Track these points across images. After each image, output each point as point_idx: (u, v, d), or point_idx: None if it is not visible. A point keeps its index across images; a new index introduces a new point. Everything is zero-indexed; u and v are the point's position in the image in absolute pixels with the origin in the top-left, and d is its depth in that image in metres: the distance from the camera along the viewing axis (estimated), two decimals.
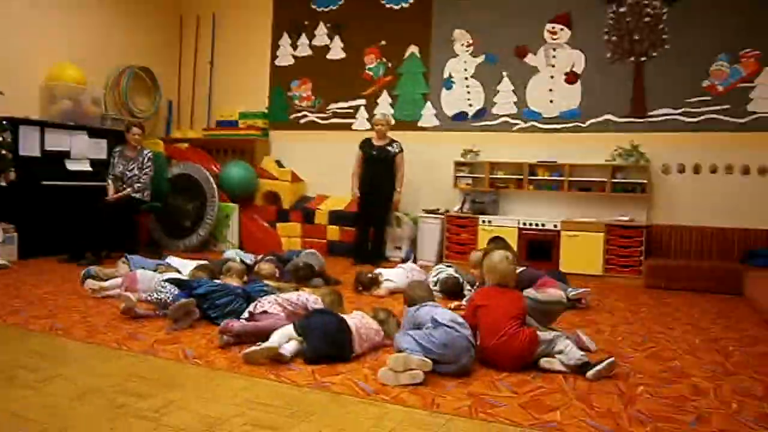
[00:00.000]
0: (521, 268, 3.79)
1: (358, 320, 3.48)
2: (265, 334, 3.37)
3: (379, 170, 6.82)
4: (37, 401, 2.58)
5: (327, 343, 3.24)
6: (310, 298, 3.87)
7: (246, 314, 3.70)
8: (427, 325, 3.18)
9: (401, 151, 6.88)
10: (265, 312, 3.63)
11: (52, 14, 7.34)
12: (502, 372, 3.15)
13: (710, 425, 2.55)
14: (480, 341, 3.25)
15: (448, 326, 3.09)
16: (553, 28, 7.03)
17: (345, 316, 3.50)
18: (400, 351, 3.07)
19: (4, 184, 6.02)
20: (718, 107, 6.35)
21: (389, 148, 6.86)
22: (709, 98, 6.40)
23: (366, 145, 6.94)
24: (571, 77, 6.96)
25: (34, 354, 3.24)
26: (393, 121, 7.23)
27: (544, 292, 3.71)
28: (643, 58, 6.65)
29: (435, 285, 5.08)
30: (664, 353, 3.66)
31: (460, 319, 3.21)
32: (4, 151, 5.95)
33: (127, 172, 6.52)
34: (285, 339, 3.29)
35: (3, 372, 2.92)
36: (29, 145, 6.57)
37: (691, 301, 5.44)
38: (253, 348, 3.19)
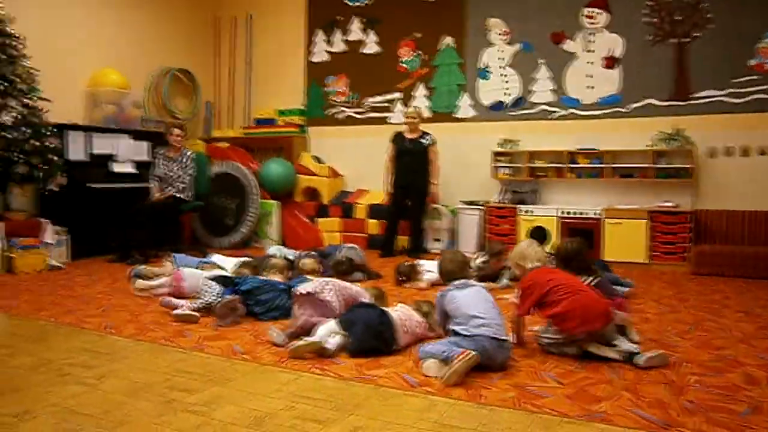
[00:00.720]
0: (595, 279, 3.58)
1: (402, 313, 3.50)
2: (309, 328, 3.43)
3: (413, 163, 6.79)
4: (92, 397, 2.67)
5: (370, 336, 3.26)
6: (361, 289, 3.93)
7: (304, 288, 3.71)
8: (457, 319, 3.11)
9: (434, 143, 6.85)
10: (323, 300, 3.65)
11: (92, 22, 7.54)
12: (585, 329, 3.10)
13: (764, 415, 2.48)
14: (551, 309, 3.19)
15: (477, 335, 2.98)
16: (590, 12, 6.89)
17: (388, 309, 3.52)
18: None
19: (54, 188, 6.22)
20: (766, 86, 6.14)
21: (422, 140, 6.83)
22: (756, 77, 6.18)
23: (398, 138, 6.92)
24: (609, 62, 6.81)
25: (88, 351, 3.35)
26: (425, 114, 7.20)
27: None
28: (685, 39, 6.47)
29: (474, 270, 5.10)
30: (715, 342, 3.57)
31: (494, 311, 3.12)
32: (53, 157, 6.14)
33: (170, 173, 6.66)
34: (329, 333, 3.33)
35: (59, 369, 3.03)
36: (76, 149, 6.78)
37: (742, 287, 5.28)
38: (299, 343, 3.24)
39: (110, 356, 3.27)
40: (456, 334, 3.05)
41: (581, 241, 3.91)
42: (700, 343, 3.54)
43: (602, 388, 2.78)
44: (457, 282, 3.31)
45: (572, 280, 3.31)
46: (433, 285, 5.08)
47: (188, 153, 6.76)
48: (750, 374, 2.97)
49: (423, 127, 7.01)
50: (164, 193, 6.58)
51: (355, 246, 5.96)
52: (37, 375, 2.95)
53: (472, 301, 3.15)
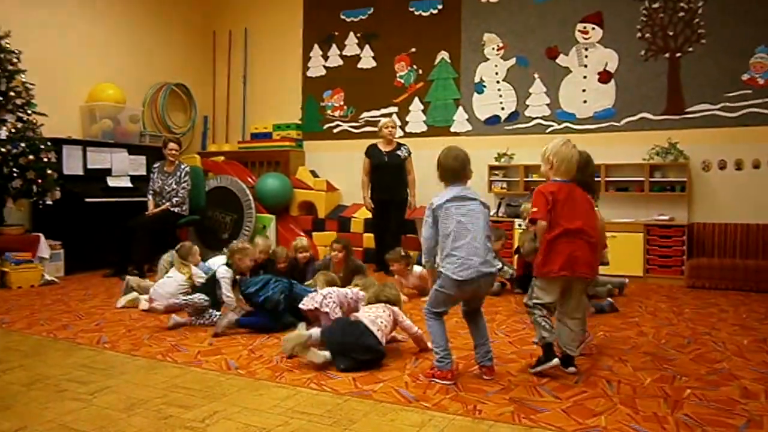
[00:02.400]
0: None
1: (365, 314, 3.49)
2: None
3: (392, 176, 6.65)
4: (88, 413, 2.65)
5: (358, 351, 3.25)
6: (360, 293, 4.02)
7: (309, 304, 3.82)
8: (445, 249, 3.03)
9: (410, 154, 6.78)
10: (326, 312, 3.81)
11: (89, 37, 7.58)
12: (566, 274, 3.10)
13: (762, 429, 2.49)
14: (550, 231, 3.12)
15: (468, 279, 2.99)
16: (584, 27, 6.96)
17: (357, 315, 3.52)
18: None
19: (49, 202, 6.21)
20: (759, 100, 6.20)
21: (398, 153, 6.71)
22: (749, 91, 6.24)
23: (374, 151, 6.75)
24: (604, 76, 6.87)
25: (83, 367, 3.34)
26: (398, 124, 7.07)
27: None
28: (678, 54, 6.53)
29: None
30: (711, 355, 3.57)
31: (482, 238, 3.04)
32: (49, 171, 6.14)
33: (166, 187, 6.67)
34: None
35: (55, 385, 3.02)
36: (72, 163, 6.79)
37: (737, 300, 5.30)
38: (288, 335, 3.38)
39: (106, 372, 3.26)
40: (442, 275, 3.05)
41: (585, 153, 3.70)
42: (696, 356, 3.55)
43: (599, 402, 2.78)
44: (455, 189, 3.14)
45: (581, 209, 3.17)
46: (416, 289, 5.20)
47: (184, 167, 6.77)
48: (747, 388, 2.98)
49: (420, 141, 7.01)
50: (159, 208, 6.58)
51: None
52: (33, 391, 2.94)
53: (466, 228, 3.04)
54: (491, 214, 3.77)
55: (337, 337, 3.34)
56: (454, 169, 3.17)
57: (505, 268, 5.67)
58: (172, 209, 6.61)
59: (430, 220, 3.12)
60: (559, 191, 3.16)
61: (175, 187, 6.66)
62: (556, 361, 3.12)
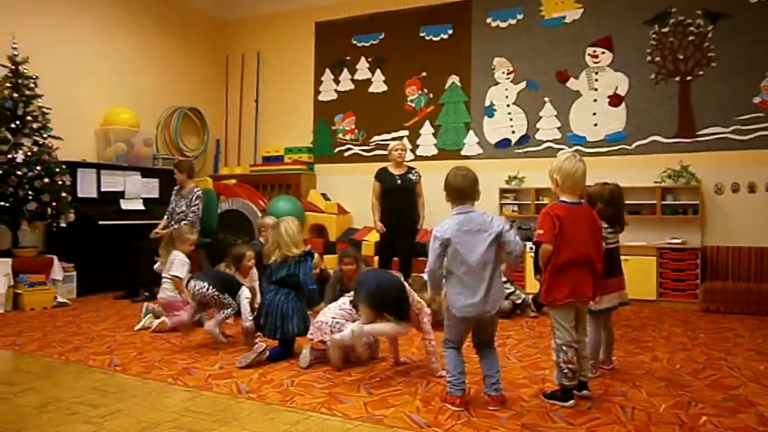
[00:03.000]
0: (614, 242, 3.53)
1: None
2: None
3: (403, 200, 6.47)
4: None
5: (388, 298, 3.37)
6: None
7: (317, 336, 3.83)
8: (452, 280, 3.01)
9: (420, 177, 6.70)
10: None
11: (104, 62, 7.70)
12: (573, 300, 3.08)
13: None
14: (556, 257, 3.06)
15: (466, 317, 3.00)
16: (594, 51, 6.99)
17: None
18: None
19: (63, 224, 6.27)
20: None
21: (410, 176, 6.51)
22: (761, 114, 6.23)
23: (385, 175, 6.55)
24: (614, 100, 6.89)
25: (95, 390, 3.34)
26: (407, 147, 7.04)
27: None
28: (689, 78, 6.55)
29: None
30: (727, 381, 3.52)
31: (487, 273, 2.97)
32: (63, 194, 6.20)
33: (177, 209, 6.68)
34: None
35: (66, 408, 3.02)
36: (86, 186, 6.87)
37: (753, 325, 5.23)
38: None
39: (117, 395, 3.26)
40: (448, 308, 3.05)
41: (616, 185, 3.69)
42: (712, 382, 3.50)
43: (613, 428, 2.75)
44: (461, 216, 3.06)
45: (588, 235, 3.11)
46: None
47: (196, 191, 6.76)
48: (763, 414, 2.93)
49: (431, 164, 7.01)
50: (164, 231, 6.41)
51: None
52: (45, 414, 2.94)
53: (468, 263, 2.98)
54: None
55: (371, 283, 3.49)
56: (461, 190, 3.09)
57: (517, 292, 5.64)
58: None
59: (437, 250, 3.04)
60: (567, 214, 3.09)
61: (184, 209, 6.60)
62: (572, 402, 3.06)
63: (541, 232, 3.10)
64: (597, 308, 3.45)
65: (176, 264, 4.79)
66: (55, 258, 6.23)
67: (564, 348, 3.07)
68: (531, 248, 6.60)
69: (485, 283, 2.97)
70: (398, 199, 6.44)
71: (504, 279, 3.16)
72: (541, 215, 3.16)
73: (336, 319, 3.81)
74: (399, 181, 6.45)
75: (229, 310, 4.43)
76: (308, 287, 4.02)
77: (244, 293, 4.55)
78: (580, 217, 3.12)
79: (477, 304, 2.97)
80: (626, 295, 3.68)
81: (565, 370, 3.06)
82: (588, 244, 3.10)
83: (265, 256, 4.18)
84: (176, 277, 4.72)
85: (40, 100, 6.20)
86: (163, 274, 4.94)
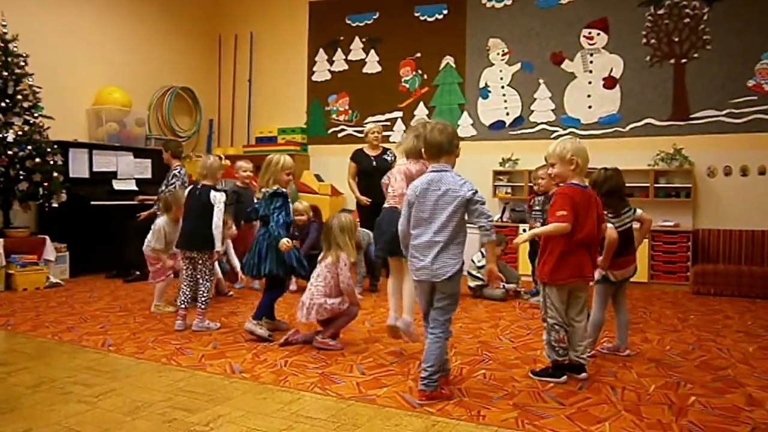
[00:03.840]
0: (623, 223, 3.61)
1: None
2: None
3: (378, 180, 6.58)
4: (93, 416, 2.66)
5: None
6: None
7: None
8: (413, 241, 2.93)
9: (395, 158, 6.60)
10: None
11: (96, 41, 7.61)
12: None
13: None
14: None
15: (418, 280, 2.94)
16: (589, 33, 6.96)
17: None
18: None
19: (55, 205, 6.23)
20: (765, 107, 6.19)
21: (385, 157, 6.55)
22: (755, 98, 6.23)
23: (361, 156, 6.62)
24: (609, 82, 6.87)
25: (88, 370, 3.34)
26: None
27: None
28: (683, 60, 6.53)
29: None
30: (716, 362, 3.56)
31: (439, 239, 2.86)
32: (55, 174, 6.16)
33: (162, 187, 6.54)
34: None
35: (60, 388, 3.03)
36: (78, 166, 6.82)
37: (742, 307, 5.28)
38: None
39: (111, 375, 3.27)
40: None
41: (616, 169, 3.73)
42: (701, 363, 3.54)
43: (603, 408, 2.78)
44: (434, 172, 2.94)
45: (593, 219, 3.14)
46: None
47: (174, 170, 6.34)
48: (752, 395, 2.97)
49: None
50: (148, 212, 6.32)
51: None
52: (38, 393, 2.95)
53: (426, 220, 2.89)
54: (495, 219, 3.75)
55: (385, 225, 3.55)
56: (439, 144, 2.94)
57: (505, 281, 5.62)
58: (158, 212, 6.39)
59: (406, 210, 2.98)
60: (581, 197, 3.14)
61: (163, 188, 6.38)
62: (564, 378, 3.14)
63: (564, 213, 3.08)
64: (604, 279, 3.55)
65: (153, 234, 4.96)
66: (48, 238, 6.20)
67: (557, 327, 3.15)
68: (524, 230, 6.65)
69: (436, 248, 2.84)
70: (372, 181, 6.44)
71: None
72: (560, 196, 3.16)
73: (312, 300, 3.79)
74: (374, 163, 6.53)
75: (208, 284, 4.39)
76: (271, 223, 3.93)
77: (217, 196, 4.40)
78: (588, 201, 3.17)
79: (422, 268, 2.87)
80: (635, 267, 3.75)
81: (557, 348, 3.15)
82: (594, 227, 3.15)
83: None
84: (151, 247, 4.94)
85: (30, 78, 6.13)
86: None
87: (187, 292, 4.38)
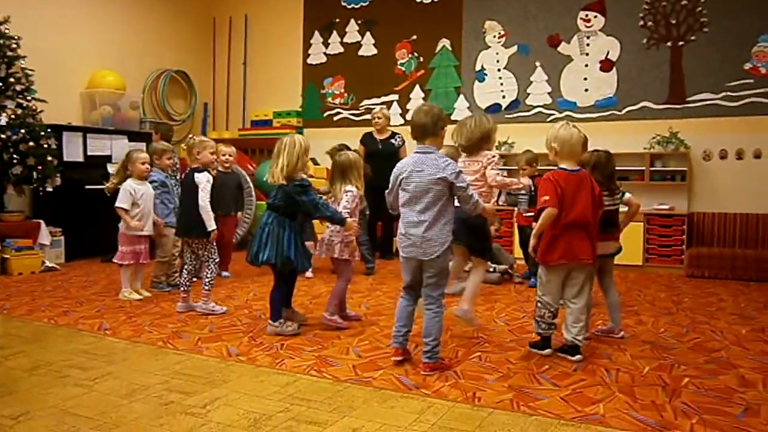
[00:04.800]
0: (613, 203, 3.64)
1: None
2: None
3: (386, 164, 6.54)
4: (89, 399, 2.67)
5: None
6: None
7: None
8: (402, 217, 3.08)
9: (404, 143, 6.65)
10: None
11: (89, 23, 7.53)
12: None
13: (759, 417, 2.50)
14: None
15: (405, 257, 3.11)
16: (586, 15, 6.92)
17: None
18: None
19: (50, 189, 6.20)
20: (761, 90, 6.18)
21: (393, 141, 6.68)
22: (751, 81, 6.22)
23: (369, 139, 6.75)
24: (606, 65, 6.84)
25: (85, 353, 3.35)
26: (390, 115, 6.96)
27: None
28: (680, 43, 6.51)
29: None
30: (710, 344, 3.59)
31: (425, 217, 3.00)
32: (49, 157, 6.12)
33: None
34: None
35: (57, 371, 3.03)
36: (73, 150, 6.77)
37: (736, 290, 5.31)
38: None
39: (107, 358, 3.27)
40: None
41: (606, 151, 3.75)
42: (695, 345, 3.56)
43: (597, 390, 2.80)
44: (418, 153, 3.05)
45: (584, 201, 3.18)
46: None
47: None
48: (744, 377, 2.99)
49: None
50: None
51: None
52: (35, 377, 2.95)
53: (410, 199, 3.02)
54: (491, 202, 3.78)
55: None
56: (423, 126, 3.05)
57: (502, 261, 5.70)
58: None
59: (392, 185, 3.13)
60: (567, 181, 3.19)
61: None
62: (548, 351, 3.31)
63: (546, 198, 3.16)
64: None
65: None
66: (42, 222, 6.19)
67: (540, 305, 3.30)
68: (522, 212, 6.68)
69: (422, 227, 2.97)
70: (379, 164, 6.45)
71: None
72: (543, 181, 3.25)
73: (330, 236, 3.92)
74: (380, 146, 6.59)
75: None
76: (326, 213, 3.77)
77: (200, 177, 4.36)
78: (579, 183, 3.21)
79: (410, 246, 3.01)
80: (618, 246, 3.69)
81: (542, 324, 3.31)
82: (586, 209, 3.18)
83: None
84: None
85: (23, 61, 6.07)
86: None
87: (188, 275, 4.37)
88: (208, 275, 4.31)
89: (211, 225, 4.28)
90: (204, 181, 4.33)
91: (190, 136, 4.79)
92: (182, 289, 4.36)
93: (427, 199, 2.97)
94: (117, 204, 4.66)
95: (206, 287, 4.30)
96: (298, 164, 3.82)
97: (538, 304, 3.30)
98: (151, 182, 4.90)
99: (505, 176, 4.07)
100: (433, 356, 3.03)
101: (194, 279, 4.43)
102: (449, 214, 3.02)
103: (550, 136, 3.31)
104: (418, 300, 3.14)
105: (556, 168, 3.31)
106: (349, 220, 3.79)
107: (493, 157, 3.82)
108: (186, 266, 4.40)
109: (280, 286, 3.84)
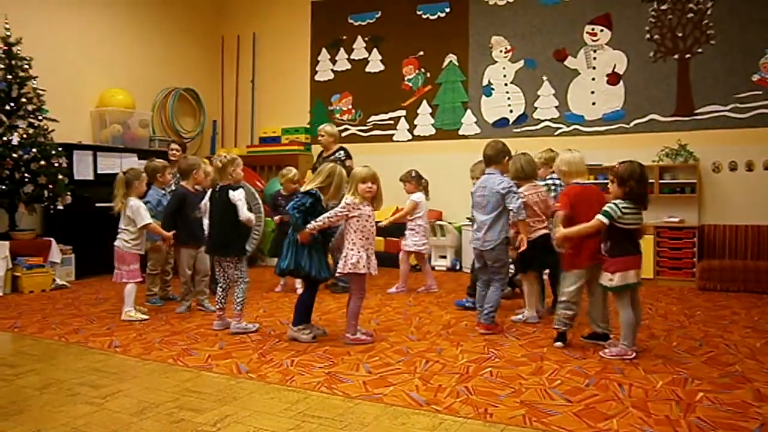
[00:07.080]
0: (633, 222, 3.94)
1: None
2: None
3: None
4: (100, 417, 2.66)
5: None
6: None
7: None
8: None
9: (348, 156, 6.31)
10: None
11: (99, 43, 7.62)
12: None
13: None
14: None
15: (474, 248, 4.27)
16: (593, 29, 6.94)
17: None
18: None
19: (60, 207, 6.25)
20: None
21: (335, 156, 6.26)
22: (759, 92, 6.21)
23: (318, 159, 6.52)
24: (613, 78, 6.85)
25: (95, 371, 3.35)
26: (336, 131, 6.57)
27: None
28: (687, 55, 6.51)
29: None
30: (723, 358, 3.55)
31: (487, 218, 4.13)
32: (60, 176, 6.17)
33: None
34: None
35: (67, 389, 3.03)
36: (83, 168, 6.83)
37: (749, 302, 5.26)
38: None
39: (118, 376, 3.27)
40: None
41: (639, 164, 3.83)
42: (708, 359, 3.52)
43: (610, 405, 2.77)
44: (485, 175, 4.17)
45: (594, 209, 3.63)
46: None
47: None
48: (760, 391, 2.95)
49: (429, 144, 6.94)
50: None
51: None
52: (46, 395, 2.96)
53: (476, 209, 4.19)
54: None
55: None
56: (487, 156, 4.21)
57: None
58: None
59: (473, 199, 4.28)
60: (580, 193, 3.79)
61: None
62: (560, 344, 3.75)
63: (558, 204, 3.91)
64: (613, 285, 3.55)
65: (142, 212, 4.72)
66: (53, 240, 6.22)
67: (570, 305, 3.71)
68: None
69: (485, 227, 4.09)
70: None
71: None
72: (561, 195, 3.93)
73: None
74: (316, 164, 6.40)
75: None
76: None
77: (236, 195, 4.45)
78: (590, 195, 3.81)
79: (477, 240, 4.15)
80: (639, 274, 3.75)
81: (564, 320, 3.73)
82: (594, 215, 3.63)
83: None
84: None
85: (34, 81, 6.14)
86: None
87: (222, 293, 4.35)
88: (240, 295, 4.27)
89: (251, 244, 4.40)
90: (240, 197, 4.39)
91: (220, 154, 4.85)
92: (218, 307, 4.35)
93: (488, 207, 4.09)
94: (143, 222, 4.68)
95: (238, 307, 4.24)
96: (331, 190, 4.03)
97: (568, 306, 3.71)
98: (146, 203, 4.92)
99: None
100: (488, 318, 4.07)
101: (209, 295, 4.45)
102: (505, 218, 4.07)
103: (557, 162, 4.01)
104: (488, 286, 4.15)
105: (572, 183, 3.91)
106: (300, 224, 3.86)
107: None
108: (220, 284, 4.38)
109: (307, 293, 4.08)
